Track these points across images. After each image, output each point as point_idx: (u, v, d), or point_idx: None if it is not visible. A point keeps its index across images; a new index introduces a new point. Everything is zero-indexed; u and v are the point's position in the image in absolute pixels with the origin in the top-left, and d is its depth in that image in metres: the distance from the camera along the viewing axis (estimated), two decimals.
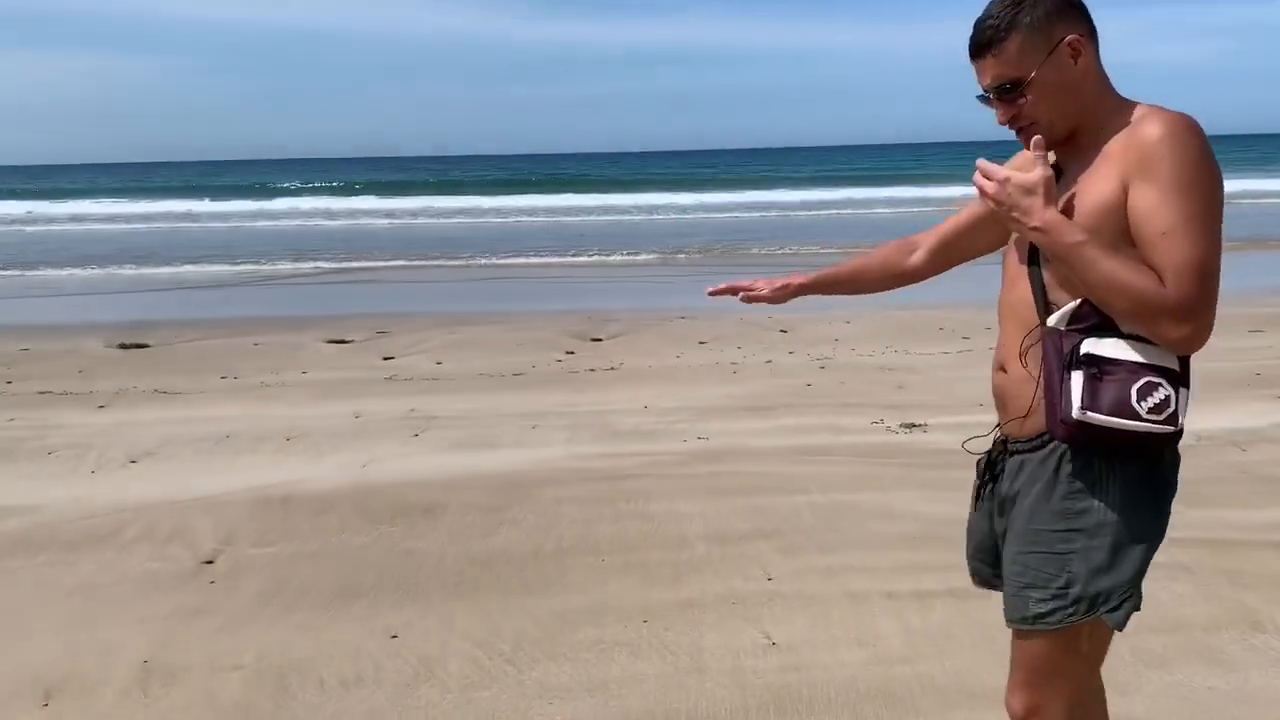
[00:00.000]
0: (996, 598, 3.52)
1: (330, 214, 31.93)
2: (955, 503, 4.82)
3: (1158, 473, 1.88)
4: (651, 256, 19.00)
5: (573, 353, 9.23)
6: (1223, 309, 3.65)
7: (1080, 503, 1.83)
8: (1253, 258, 16.23)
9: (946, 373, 7.85)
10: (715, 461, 5.46)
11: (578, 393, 7.44)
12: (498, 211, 31.89)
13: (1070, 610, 1.82)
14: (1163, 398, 1.74)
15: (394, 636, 3.53)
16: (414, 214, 32.10)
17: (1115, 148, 1.76)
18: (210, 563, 4.29)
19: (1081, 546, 1.82)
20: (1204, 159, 1.71)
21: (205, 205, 35.75)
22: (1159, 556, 1.91)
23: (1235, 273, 10.86)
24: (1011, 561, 1.92)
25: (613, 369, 8.41)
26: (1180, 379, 1.76)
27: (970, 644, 3.35)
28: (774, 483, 5.04)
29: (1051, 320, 1.81)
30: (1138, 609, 1.83)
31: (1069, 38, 1.78)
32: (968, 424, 6.08)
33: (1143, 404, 1.73)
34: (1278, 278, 13.77)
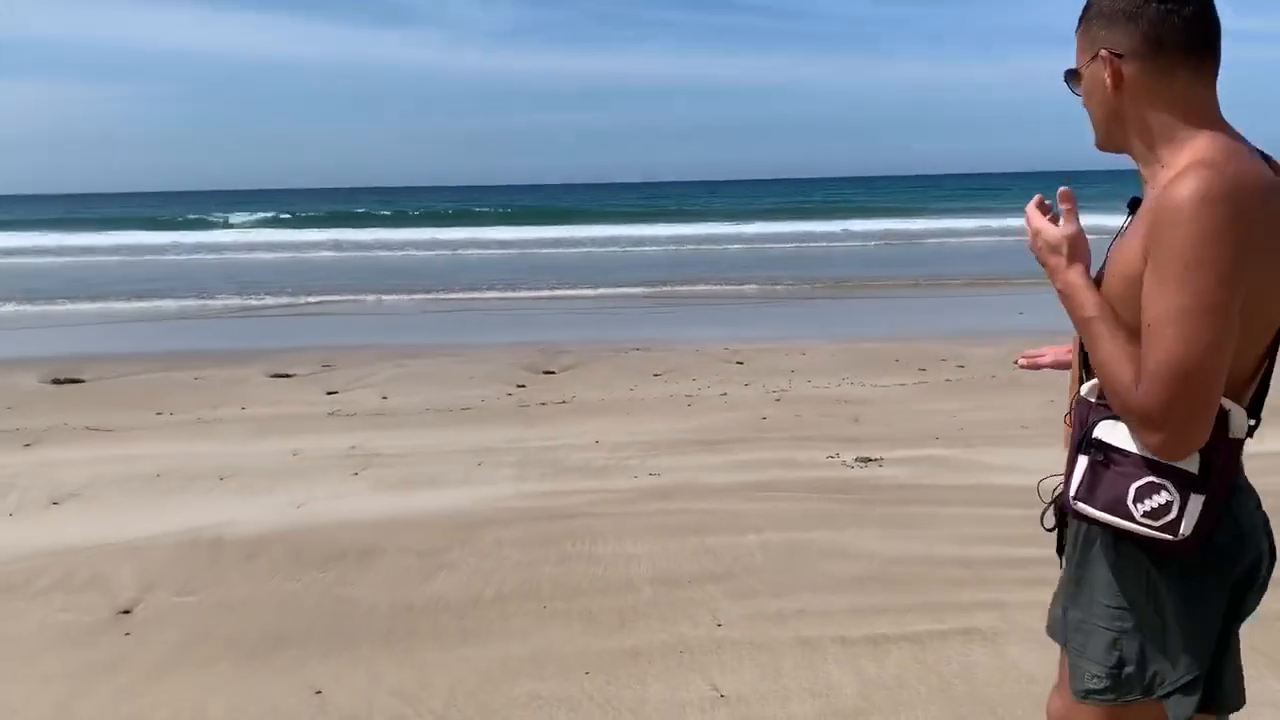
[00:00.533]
0: (952, 643, 3.39)
1: (277, 246, 31.52)
2: (911, 540, 4.71)
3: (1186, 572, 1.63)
4: (607, 289, 18.87)
5: (524, 386, 9.03)
6: None
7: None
8: None
9: (902, 405, 7.76)
10: (665, 499, 5.29)
11: (527, 427, 7.24)
12: (450, 243, 31.64)
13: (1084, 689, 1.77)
14: (1162, 503, 1.53)
15: (318, 692, 3.30)
16: (364, 245, 31.81)
17: (1151, 204, 1.53)
18: (127, 612, 4.03)
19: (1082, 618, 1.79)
20: (1216, 237, 1.41)
21: (149, 237, 35.17)
22: None
23: None
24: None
25: (564, 402, 8.22)
26: (1195, 485, 1.52)
27: (927, 694, 3.18)
28: (725, 521, 4.87)
29: (1084, 390, 1.67)
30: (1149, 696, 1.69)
31: (1102, 52, 1.59)
32: (923, 458, 5.99)
33: (1139, 505, 1.55)
34: None
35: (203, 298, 17.45)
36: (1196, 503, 1.51)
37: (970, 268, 21.48)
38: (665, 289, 18.33)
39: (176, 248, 30.75)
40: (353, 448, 6.71)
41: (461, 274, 22.60)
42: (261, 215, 48.53)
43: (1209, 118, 1.56)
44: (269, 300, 18.21)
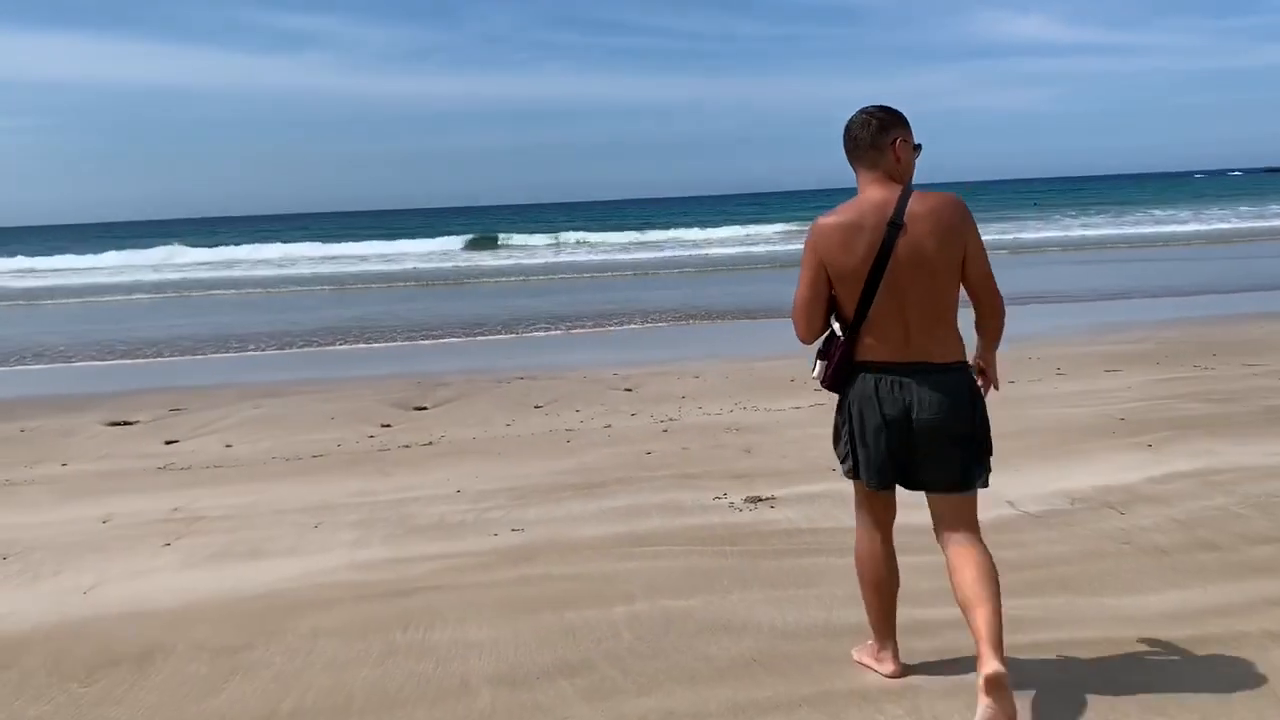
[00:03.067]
0: None
1: (142, 276, 29.90)
2: (804, 605, 3.97)
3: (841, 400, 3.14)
4: (498, 313, 18.05)
5: (389, 426, 8.19)
6: (1074, 349, 9.23)
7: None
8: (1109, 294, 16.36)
9: (798, 431, 7.15)
10: (525, 562, 4.54)
11: (382, 476, 6.41)
12: (337, 266, 30.41)
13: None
14: (816, 367, 3.11)
15: None
16: (231, 266, 30.45)
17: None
18: None
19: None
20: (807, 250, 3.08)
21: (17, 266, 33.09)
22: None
23: (1085, 313, 10.54)
24: None
25: (430, 444, 7.41)
26: (819, 356, 3.11)
27: None
28: (592, 588, 4.14)
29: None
30: (855, 477, 3.15)
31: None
32: (819, 494, 5.33)
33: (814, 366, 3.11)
34: (1130, 314, 13.80)
35: (51, 336, 16.12)
36: (821, 366, 3.08)
37: None
38: (561, 311, 17.58)
39: (31, 282, 28.91)
40: (175, 510, 5.80)
41: (348, 300, 21.54)
42: (145, 245, 46.41)
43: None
44: (128, 334, 16.92)
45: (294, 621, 3.94)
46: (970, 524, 3.05)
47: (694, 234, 40.57)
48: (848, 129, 2.99)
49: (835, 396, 3.14)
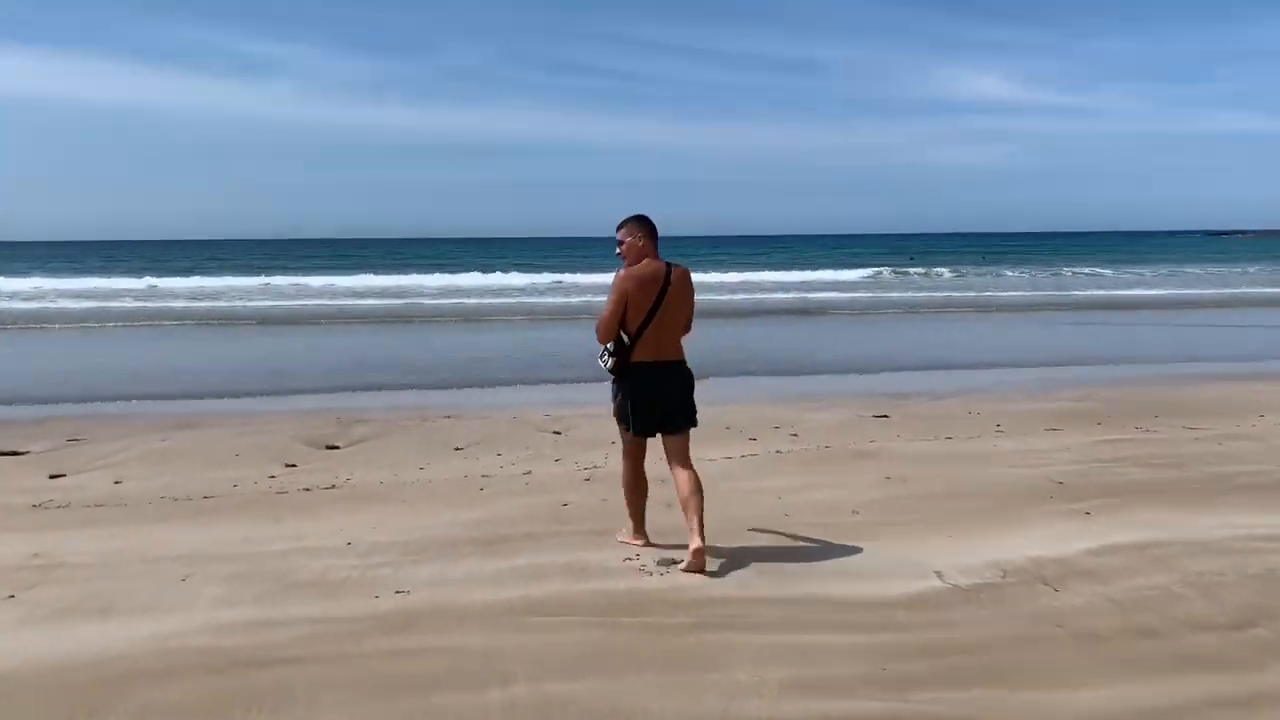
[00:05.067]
0: None
1: (84, 295, 29.06)
2: (702, 691, 3.36)
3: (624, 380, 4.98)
4: (443, 347, 17.58)
5: (294, 465, 7.69)
6: (1015, 406, 9.56)
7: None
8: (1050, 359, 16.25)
9: (725, 484, 6.77)
10: (402, 631, 4.08)
11: (272, 523, 5.92)
12: (283, 306, 29.73)
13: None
14: (607, 359, 4.97)
15: None
16: (176, 295, 29.67)
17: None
18: None
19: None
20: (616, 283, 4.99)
21: None
22: None
23: (1037, 382, 10.13)
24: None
25: (333, 487, 6.93)
26: (611, 353, 4.96)
27: None
28: (469, 667, 3.70)
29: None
30: (630, 430, 5.04)
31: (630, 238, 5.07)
32: (735, 557, 4.94)
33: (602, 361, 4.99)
34: (1069, 371, 13.65)
35: None
36: (613, 361, 4.93)
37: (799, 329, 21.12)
38: (506, 347, 17.14)
39: None
40: (35, 556, 5.27)
41: (288, 331, 20.94)
42: (77, 267, 45.28)
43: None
44: (45, 359, 16.21)
45: (124, 696, 3.45)
46: (686, 454, 5.06)
47: None
48: (647, 224, 5.05)
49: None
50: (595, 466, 7.53)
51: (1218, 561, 4.89)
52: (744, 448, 8.16)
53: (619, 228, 5.03)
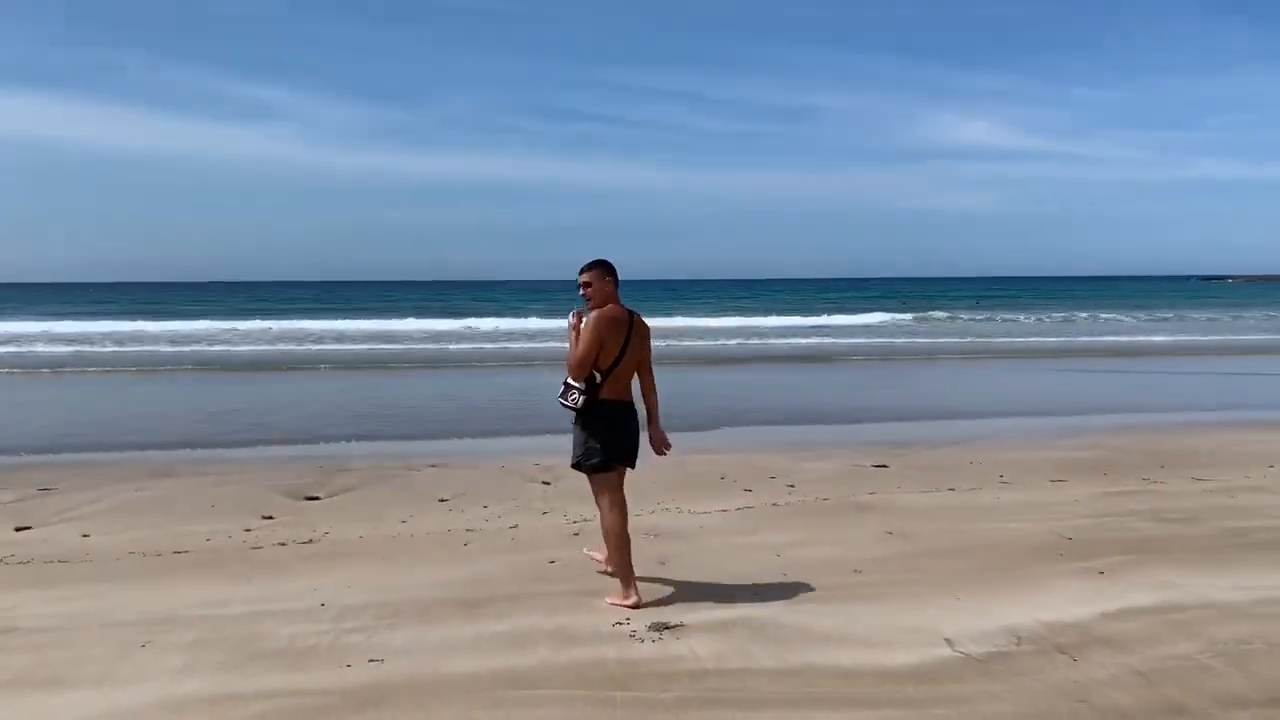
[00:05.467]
0: None
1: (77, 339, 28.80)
2: None
3: (589, 417, 5.11)
4: (442, 390, 17.29)
5: (271, 517, 7.38)
6: (1016, 454, 9.41)
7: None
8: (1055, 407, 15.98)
9: (719, 540, 6.48)
10: (374, 707, 3.78)
11: (243, 582, 5.61)
12: (277, 337, 29.48)
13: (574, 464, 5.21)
14: (574, 396, 5.10)
15: None
16: (158, 340, 29.39)
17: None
18: None
19: (574, 442, 5.17)
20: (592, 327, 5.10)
21: None
22: None
23: (1038, 429, 9.82)
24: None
25: (310, 542, 6.62)
26: (584, 392, 5.08)
27: None
28: None
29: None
30: (598, 469, 5.10)
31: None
32: (734, 621, 4.63)
33: (566, 399, 5.14)
34: (1070, 420, 13.40)
35: None
36: (582, 399, 5.07)
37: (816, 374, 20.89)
38: (496, 392, 16.86)
39: None
40: None
41: (277, 378, 20.65)
42: (68, 310, 45.06)
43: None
44: (8, 400, 15.88)
45: None
46: (621, 488, 5.26)
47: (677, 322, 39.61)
48: (613, 269, 5.22)
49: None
50: (584, 520, 7.23)
51: (1243, 628, 4.62)
52: (739, 499, 7.88)
53: (583, 270, 5.21)
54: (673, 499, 7.94)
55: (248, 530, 7.00)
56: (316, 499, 8.11)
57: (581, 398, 5.03)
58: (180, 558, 6.24)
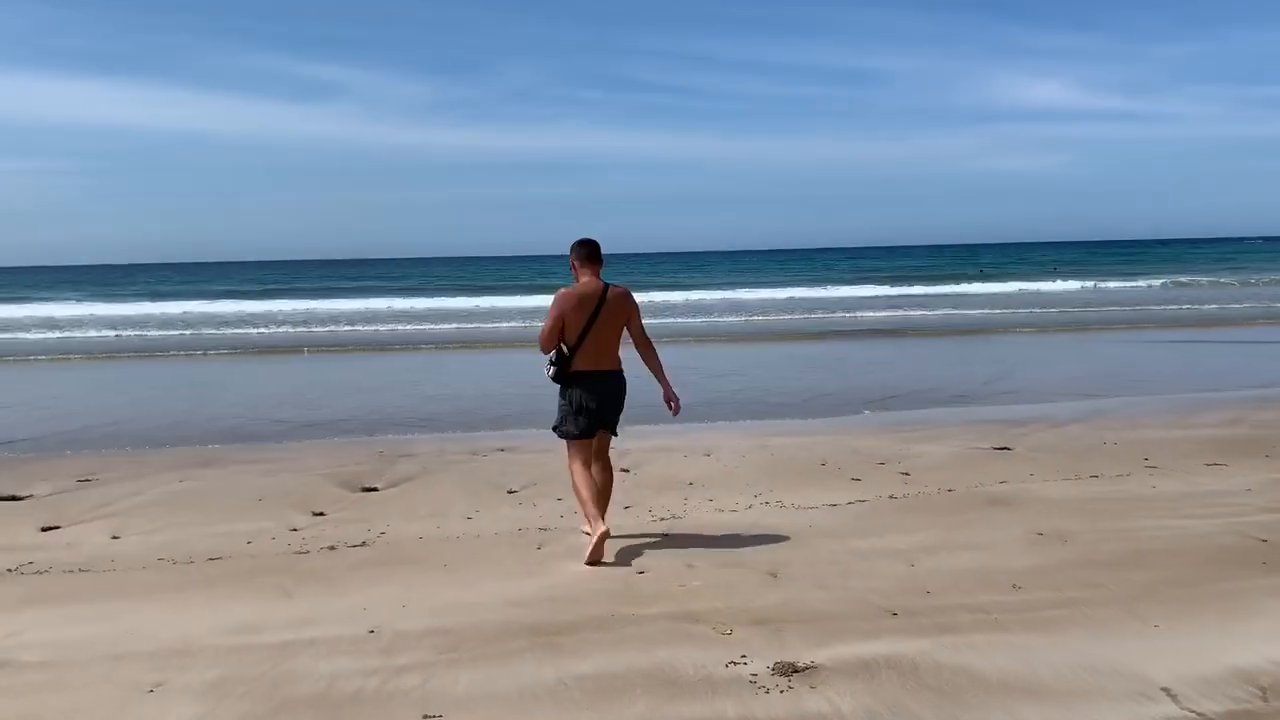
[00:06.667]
0: None
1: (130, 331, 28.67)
2: None
3: (566, 387, 5.54)
4: (500, 372, 16.51)
5: (322, 514, 6.57)
6: (1154, 433, 8.78)
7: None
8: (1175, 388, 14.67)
9: (837, 543, 5.50)
10: None
11: (283, 598, 4.78)
12: (350, 317, 29.05)
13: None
14: (550, 368, 5.55)
15: None
16: (212, 321, 29.07)
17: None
18: None
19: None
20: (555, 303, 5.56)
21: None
22: None
23: (1165, 405, 8.49)
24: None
25: (364, 544, 5.78)
26: (554, 363, 5.51)
27: None
28: None
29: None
30: (571, 437, 5.53)
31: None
32: (879, 662, 3.13)
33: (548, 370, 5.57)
34: (1203, 394, 12.08)
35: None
36: (555, 370, 5.51)
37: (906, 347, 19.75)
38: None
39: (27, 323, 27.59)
40: None
41: (343, 359, 20.11)
42: (170, 288, 45.30)
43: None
44: (89, 387, 15.43)
45: None
46: (605, 452, 5.70)
47: (737, 294, 38.48)
48: (595, 246, 5.59)
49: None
50: (674, 517, 6.31)
51: None
52: (848, 491, 6.87)
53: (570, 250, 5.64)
54: (770, 490, 6.97)
55: (294, 530, 6.19)
56: (374, 490, 7.29)
57: (553, 369, 5.49)
58: (213, 566, 5.44)
